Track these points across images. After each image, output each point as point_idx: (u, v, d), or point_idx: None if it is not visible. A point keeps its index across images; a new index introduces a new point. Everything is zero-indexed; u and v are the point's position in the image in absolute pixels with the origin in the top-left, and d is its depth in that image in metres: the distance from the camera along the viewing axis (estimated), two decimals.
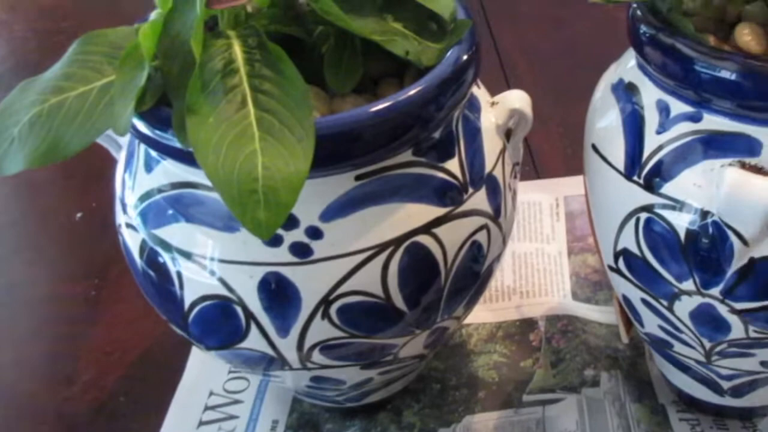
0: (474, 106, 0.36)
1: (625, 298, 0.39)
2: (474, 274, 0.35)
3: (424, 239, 0.32)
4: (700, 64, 0.32)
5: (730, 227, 0.31)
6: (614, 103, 0.37)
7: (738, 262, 0.32)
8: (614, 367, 0.46)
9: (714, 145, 0.32)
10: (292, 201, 0.27)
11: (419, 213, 0.32)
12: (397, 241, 0.32)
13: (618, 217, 0.36)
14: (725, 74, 0.31)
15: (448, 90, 0.32)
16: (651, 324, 0.39)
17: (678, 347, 0.38)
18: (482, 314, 0.50)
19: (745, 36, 0.33)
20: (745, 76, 0.31)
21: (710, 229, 0.32)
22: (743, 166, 0.31)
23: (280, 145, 0.28)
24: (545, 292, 0.52)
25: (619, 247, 0.36)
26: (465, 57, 0.33)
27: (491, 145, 0.36)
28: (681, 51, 0.32)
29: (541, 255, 0.54)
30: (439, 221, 0.32)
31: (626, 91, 0.36)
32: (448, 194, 0.33)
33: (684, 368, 0.41)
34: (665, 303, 0.36)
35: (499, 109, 0.37)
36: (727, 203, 0.31)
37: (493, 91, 0.39)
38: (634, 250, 0.35)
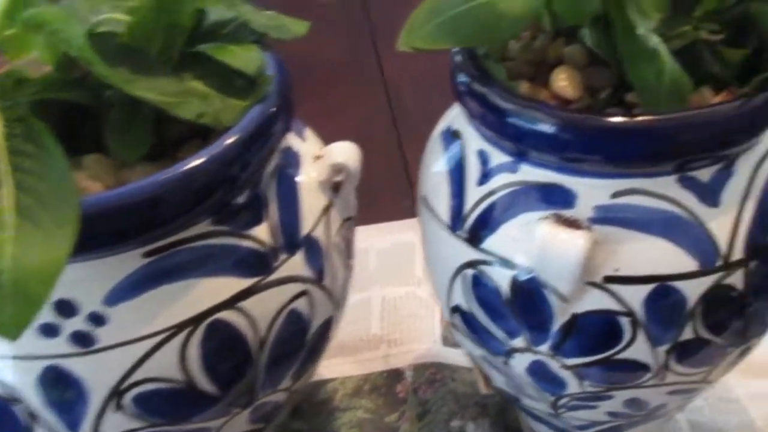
0: (292, 162, 0.34)
1: (469, 352, 0.38)
2: (297, 343, 0.33)
3: (227, 315, 0.30)
4: (510, 115, 0.30)
5: (547, 283, 0.30)
6: (441, 152, 0.35)
7: (561, 318, 0.31)
8: (482, 415, 0.45)
9: (531, 197, 0.31)
10: (45, 293, 0.24)
11: (221, 287, 0.30)
12: (194, 321, 0.29)
13: (448, 273, 0.34)
14: (533, 125, 0.29)
15: (248, 150, 0.30)
16: (497, 379, 0.37)
17: (525, 401, 0.37)
18: (348, 367, 0.48)
19: (560, 81, 0.32)
20: (553, 126, 0.29)
21: (530, 286, 0.30)
22: (558, 219, 0.30)
23: (37, 232, 0.25)
24: (415, 338, 0.50)
25: (452, 303, 0.35)
26: (269, 113, 0.31)
27: (311, 203, 0.33)
28: (491, 100, 0.31)
29: (412, 299, 0.52)
30: (245, 294, 0.30)
31: (452, 139, 0.35)
32: (255, 264, 0.30)
33: (539, 419, 0.39)
34: (501, 360, 0.34)
35: (322, 164, 0.35)
36: (540, 259, 0.29)
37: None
38: (465, 307, 0.34)
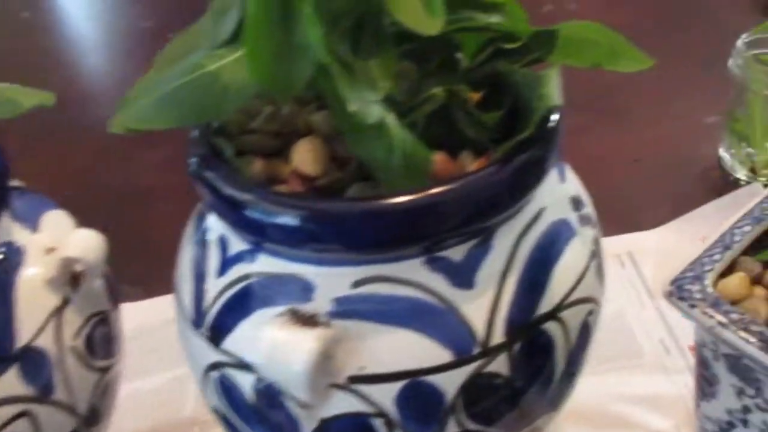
0: (10, 259, 0.30)
1: None
2: None
3: None
4: (234, 202, 0.27)
5: (283, 390, 0.27)
6: (192, 233, 0.32)
7: (309, 425, 0.28)
8: None
9: (269, 290, 0.27)
10: None
11: None
12: None
13: (199, 372, 0.30)
14: (259, 214, 0.26)
15: None
16: None
17: None
18: None
19: (301, 155, 0.29)
20: (279, 215, 0.26)
21: (269, 392, 0.27)
22: (294, 316, 0.27)
23: None
24: None
25: (210, 404, 0.31)
26: None
27: (33, 306, 0.29)
28: (214, 185, 0.27)
29: None
30: None
31: (201, 219, 0.31)
32: None
33: None
34: None
35: (52, 258, 0.31)
36: (269, 366, 0.26)
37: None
38: (221, 410, 0.30)
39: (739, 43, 0.60)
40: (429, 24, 0.24)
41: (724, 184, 0.63)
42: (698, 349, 0.40)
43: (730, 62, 0.59)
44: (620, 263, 0.55)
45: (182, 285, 0.30)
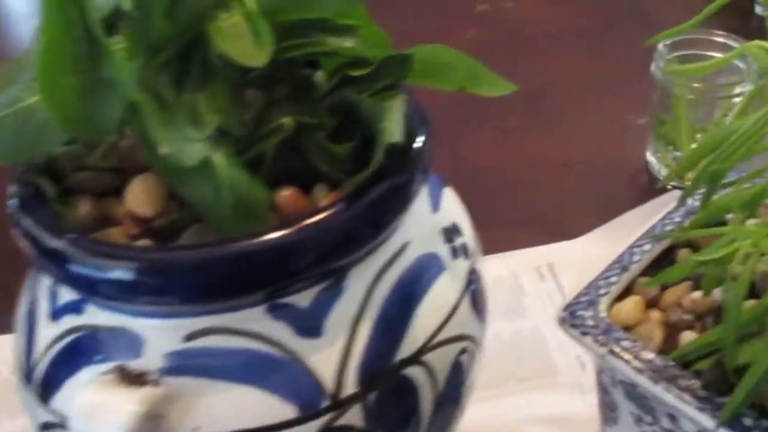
0: None
1: None
2: None
3: None
4: (51, 252, 0.24)
5: None
6: (31, 276, 0.30)
7: None
8: None
9: (97, 344, 0.25)
10: None
11: None
12: None
13: (35, 429, 0.28)
14: (78, 265, 0.24)
15: None
16: None
17: None
18: None
19: (134, 195, 0.26)
20: (99, 266, 0.23)
21: None
22: (121, 374, 0.24)
23: None
24: None
25: None
26: None
27: None
28: (29, 231, 0.25)
29: None
30: None
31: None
32: None
33: None
34: None
35: None
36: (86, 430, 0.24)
37: None
38: None
39: (660, 46, 0.58)
40: (255, 56, 0.22)
41: (651, 188, 0.62)
42: (597, 374, 0.39)
43: (653, 66, 0.58)
44: (539, 276, 0.54)
45: (18, 332, 0.28)
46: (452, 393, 0.29)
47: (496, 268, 0.54)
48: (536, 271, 0.54)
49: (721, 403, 0.31)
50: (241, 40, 0.22)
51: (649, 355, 0.34)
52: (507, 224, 0.59)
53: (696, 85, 0.56)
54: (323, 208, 0.25)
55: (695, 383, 0.32)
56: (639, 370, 0.33)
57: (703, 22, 0.32)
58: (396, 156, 0.27)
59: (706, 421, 0.31)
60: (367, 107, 0.25)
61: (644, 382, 0.33)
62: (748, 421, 0.31)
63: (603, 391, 0.39)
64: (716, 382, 0.32)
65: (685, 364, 0.34)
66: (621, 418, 0.38)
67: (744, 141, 0.29)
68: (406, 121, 0.28)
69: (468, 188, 0.64)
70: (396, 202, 0.26)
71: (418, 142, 0.28)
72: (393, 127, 0.24)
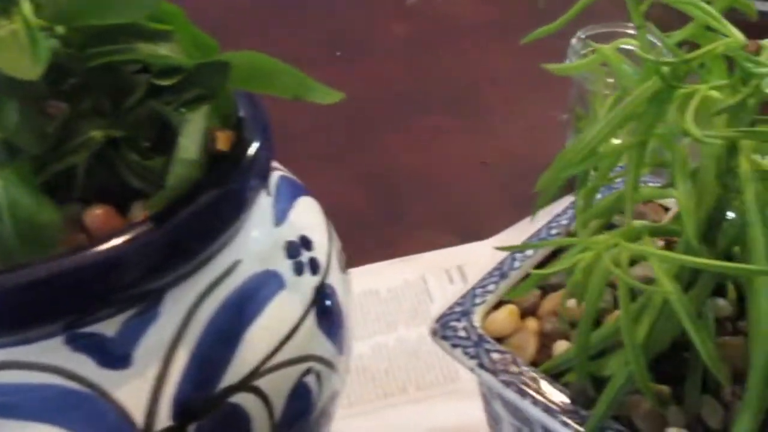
0: None
1: None
2: None
3: None
4: None
5: None
6: None
7: None
8: None
9: None
10: None
11: None
12: None
13: None
14: None
15: None
16: None
17: None
18: None
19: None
20: None
21: None
22: None
23: None
24: None
25: None
26: None
27: None
28: None
29: None
30: None
31: None
32: None
33: None
34: None
35: None
36: None
37: None
38: None
39: (574, 41, 0.57)
40: (27, 69, 0.21)
41: (571, 186, 0.61)
42: (479, 386, 0.37)
43: (567, 62, 0.56)
44: (448, 278, 0.52)
45: None
46: (296, 419, 0.28)
47: (403, 272, 0.53)
48: (445, 274, 0.53)
49: (586, 417, 0.30)
50: (13, 50, 0.20)
51: (519, 368, 0.32)
52: (422, 225, 0.58)
53: (611, 80, 0.55)
54: (127, 228, 0.23)
55: (563, 396, 0.31)
56: (506, 384, 0.32)
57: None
58: (222, 167, 0.25)
59: None
60: (174, 119, 0.23)
61: (512, 395, 0.31)
62: None
63: (486, 402, 0.38)
64: (582, 395, 0.31)
65: (558, 375, 0.33)
66: (504, 429, 0.37)
67: (584, 149, 0.28)
68: (242, 129, 0.27)
69: (386, 188, 0.63)
70: (218, 217, 0.25)
71: (250, 151, 0.26)
72: (188, 142, 0.22)
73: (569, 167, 0.29)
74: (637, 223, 0.31)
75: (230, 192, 0.25)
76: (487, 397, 0.37)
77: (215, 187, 0.24)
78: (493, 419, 0.39)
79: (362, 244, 0.58)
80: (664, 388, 0.32)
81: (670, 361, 0.33)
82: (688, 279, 0.28)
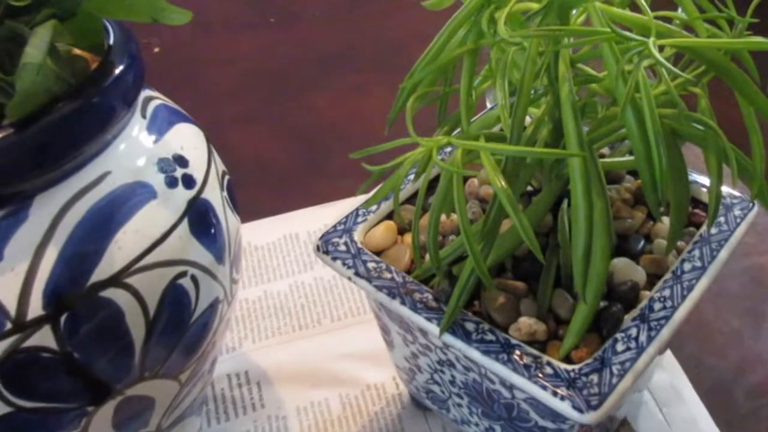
0: None
1: None
2: None
3: None
4: None
5: None
6: None
7: None
8: None
9: None
10: None
11: None
12: None
13: None
14: None
15: None
16: None
17: None
18: None
19: None
20: None
21: None
22: None
23: None
24: None
25: None
26: None
27: None
28: None
29: None
30: None
31: None
32: None
33: None
34: None
35: None
36: None
37: None
38: None
39: None
40: None
41: None
42: (369, 302, 0.40)
43: None
44: None
45: None
46: (172, 320, 0.30)
47: (322, 217, 0.56)
48: None
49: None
50: None
51: (391, 275, 0.35)
52: (343, 176, 0.61)
53: None
54: None
55: (428, 296, 0.34)
56: (379, 288, 0.34)
57: None
58: (86, 84, 0.27)
59: (433, 328, 0.33)
60: (27, 35, 0.25)
61: (383, 298, 0.34)
62: (470, 326, 0.32)
63: (377, 316, 0.40)
64: (444, 294, 0.34)
65: (427, 280, 0.36)
66: (394, 341, 0.40)
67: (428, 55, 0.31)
68: (110, 55, 0.29)
69: (310, 142, 0.65)
70: (80, 127, 0.27)
71: (115, 72, 0.29)
72: (32, 50, 0.24)
73: (418, 73, 0.31)
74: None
75: (90, 104, 0.27)
76: (377, 312, 0.40)
77: (75, 100, 0.27)
78: (385, 332, 0.41)
79: (287, 193, 0.61)
80: (520, 284, 0.34)
81: (529, 263, 0.36)
82: (514, 173, 0.31)
